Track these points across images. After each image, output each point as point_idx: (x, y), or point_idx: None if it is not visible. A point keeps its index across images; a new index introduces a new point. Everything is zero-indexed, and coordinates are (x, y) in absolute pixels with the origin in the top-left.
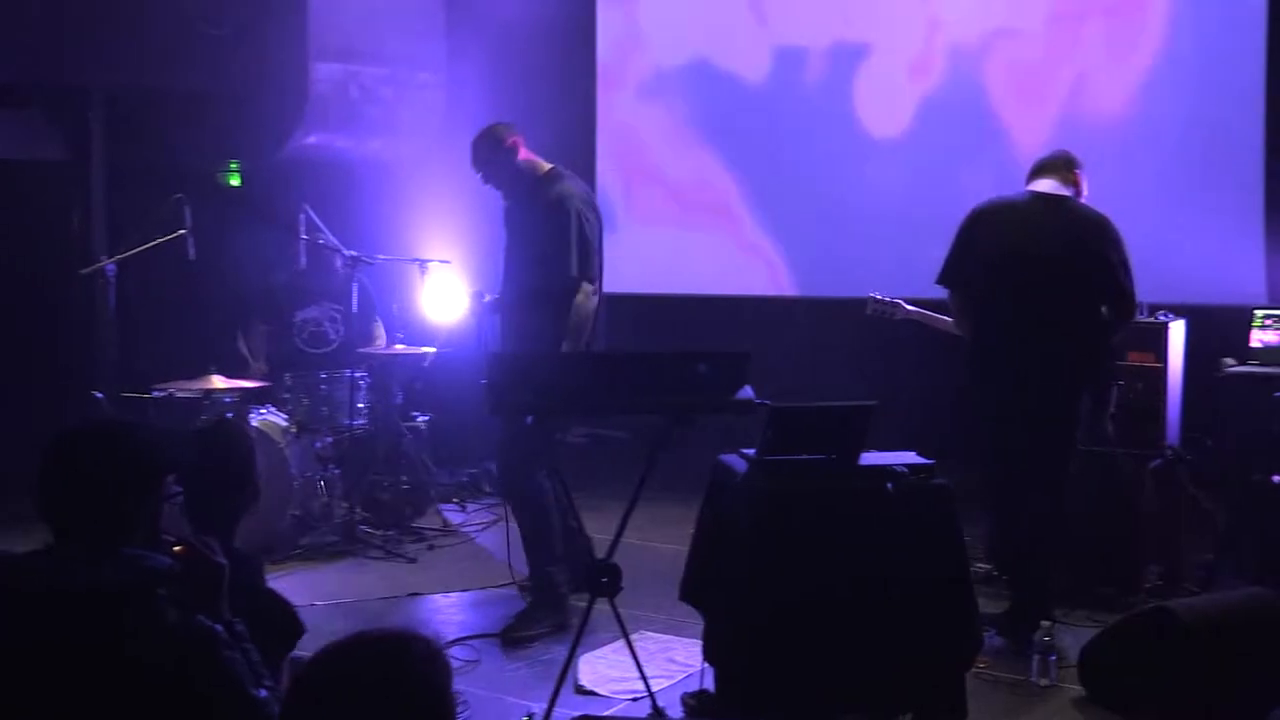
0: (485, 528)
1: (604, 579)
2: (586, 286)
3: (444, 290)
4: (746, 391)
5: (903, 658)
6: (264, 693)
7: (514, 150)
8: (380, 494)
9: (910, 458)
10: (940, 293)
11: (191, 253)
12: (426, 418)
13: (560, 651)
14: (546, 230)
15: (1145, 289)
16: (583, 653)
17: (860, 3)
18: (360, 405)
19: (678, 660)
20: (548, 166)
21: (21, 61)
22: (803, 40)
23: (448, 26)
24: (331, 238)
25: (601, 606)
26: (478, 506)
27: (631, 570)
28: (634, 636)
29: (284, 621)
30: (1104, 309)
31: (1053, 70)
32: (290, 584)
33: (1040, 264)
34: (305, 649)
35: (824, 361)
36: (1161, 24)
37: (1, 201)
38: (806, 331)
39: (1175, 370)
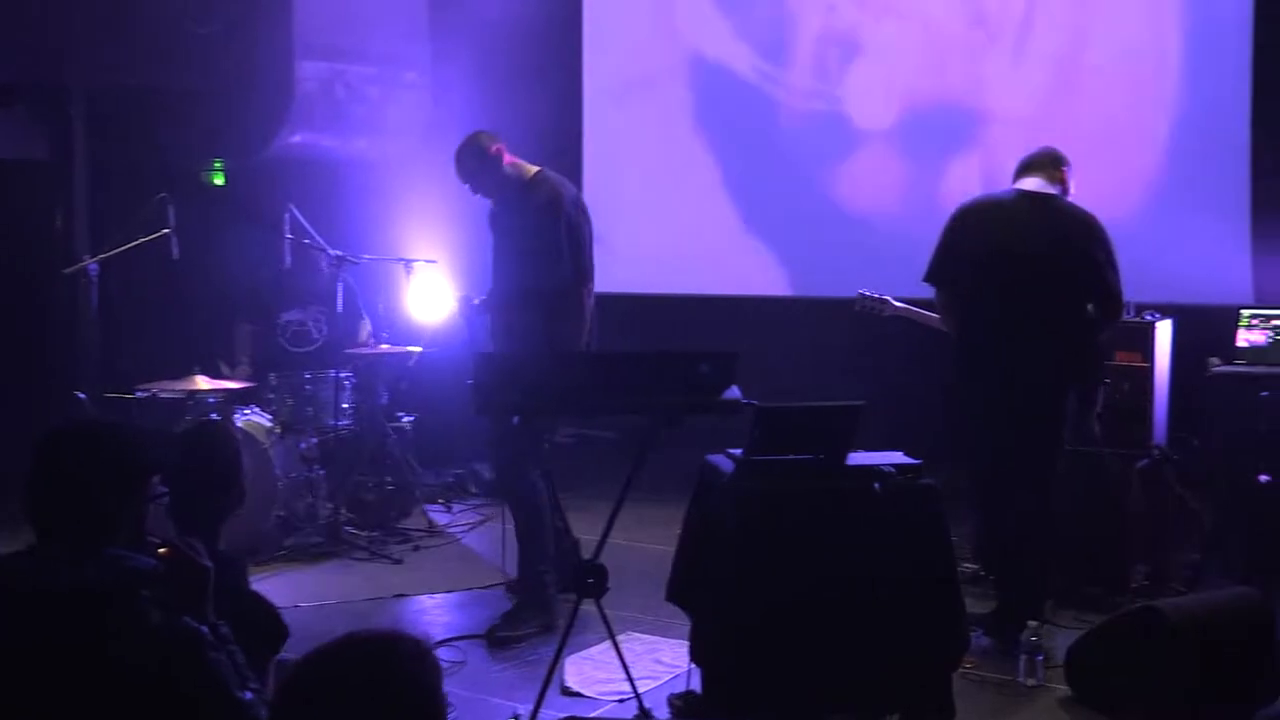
0: (471, 528)
1: (590, 580)
2: (585, 286)
3: (430, 290)
4: (734, 391)
5: (890, 658)
6: (249, 695)
7: (499, 157)
8: (365, 495)
9: (897, 457)
10: (930, 291)
11: (175, 252)
12: (412, 418)
13: (546, 653)
14: (538, 232)
15: (1132, 288)
16: (569, 654)
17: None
18: (345, 405)
19: (664, 661)
20: (534, 169)
21: (4, 59)
22: (791, 37)
23: (433, 26)
24: (317, 237)
25: (588, 607)
26: (463, 507)
27: (618, 571)
28: (620, 637)
29: (268, 624)
30: (1090, 307)
31: (1041, 68)
32: (275, 585)
33: (1026, 262)
34: (290, 651)
35: (811, 361)
36: (1148, 23)
37: None
38: (794, 331)
39: (1162, 370)
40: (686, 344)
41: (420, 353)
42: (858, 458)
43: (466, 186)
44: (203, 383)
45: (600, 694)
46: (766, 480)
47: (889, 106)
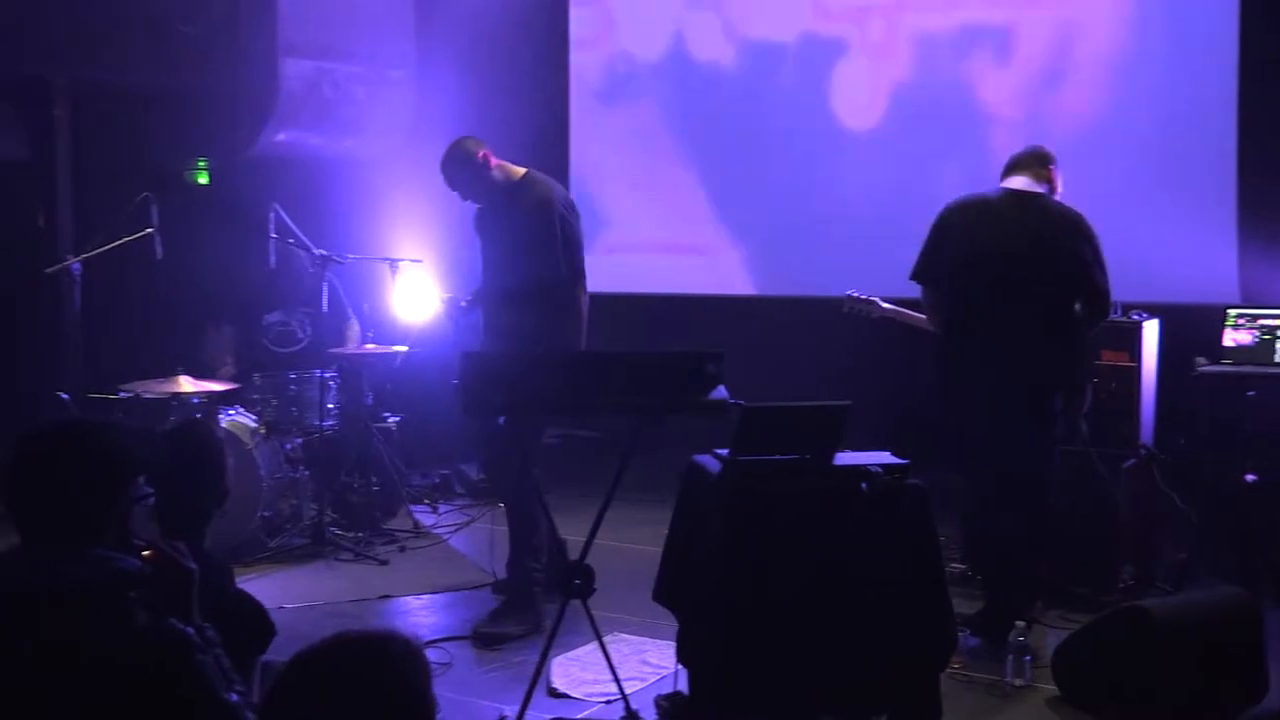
0: (457, 529)
1: (577, 580)
2: (579, 284)
3: (415, 290)
4: (720, 391)
5: (877, 658)
6: (235, 697)
7: (485, 162)
8: (350, 495)
9: (885, 457)
10: (917, 290)
11: (159, 252)
12: (397, 418)
13: (533, 654)
14: (530, 232)
15: (1119, 288)
16: (556, 655)
17: None
18: (330, 406)
19: (651, 662)
20: (521, 171)
21: None
22: (776, 35)
23: (419, 25)
24: (302, 236)
25: (575, 608)
26: (449, 508)
27: (605, 572)
28: (607, 638)
29: (255, 622)
30: (1078, 306)
31: (1027, 66)
32: (260, 586)
33: (1013, 261)
34: (275, 653)
35: (799, 361)
36: (1135, 20)
37: None
38: (782, 330)
39: (1149, 369)
40: (673, 344)
41: (406, 353)
42: (845, 458)
43: (456, 194)
44: (186, 383)
45: (587, 695)
46: (753, 480)
47: (876, 106)
